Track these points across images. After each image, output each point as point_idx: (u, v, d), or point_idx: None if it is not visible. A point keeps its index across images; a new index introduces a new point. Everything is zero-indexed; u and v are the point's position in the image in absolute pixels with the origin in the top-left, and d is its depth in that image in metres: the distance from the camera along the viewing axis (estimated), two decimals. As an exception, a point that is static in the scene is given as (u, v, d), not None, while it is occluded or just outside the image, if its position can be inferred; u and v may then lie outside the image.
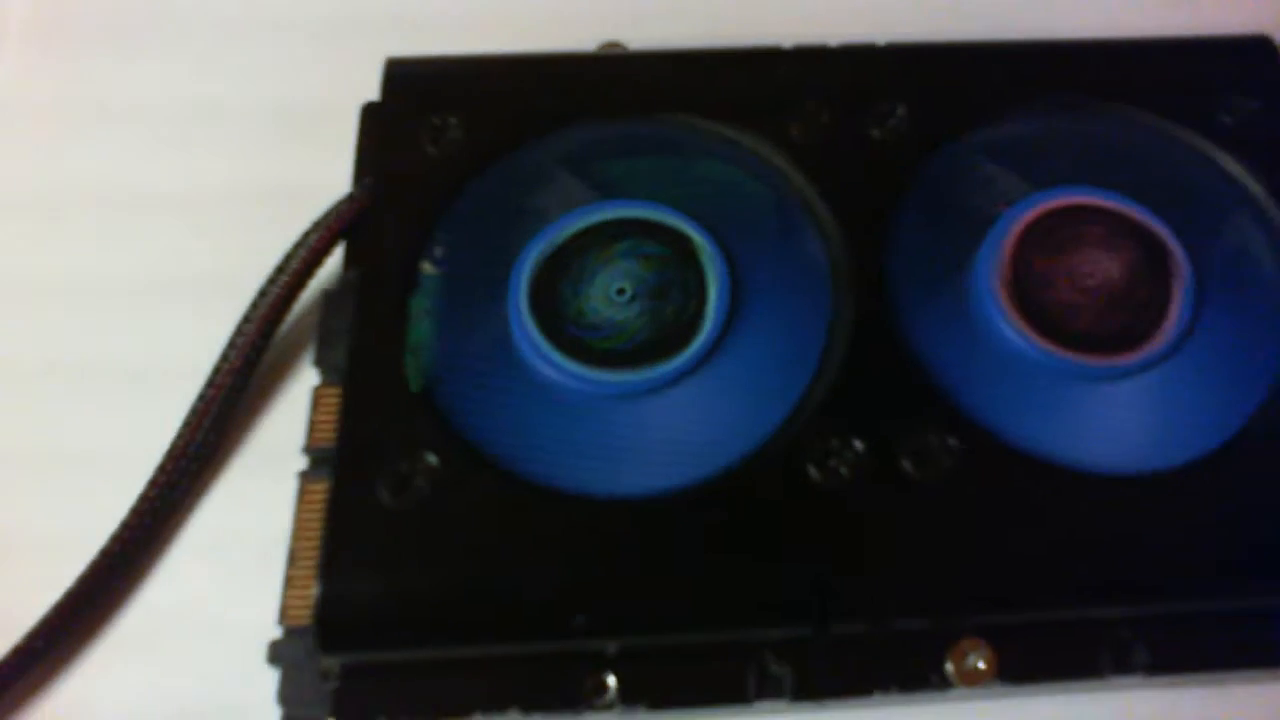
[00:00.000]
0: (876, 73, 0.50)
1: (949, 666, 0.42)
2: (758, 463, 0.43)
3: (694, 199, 0.48)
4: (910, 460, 0.43)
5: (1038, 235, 0.47)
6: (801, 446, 0.43)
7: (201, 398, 0.47)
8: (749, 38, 0.52)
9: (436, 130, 0.49)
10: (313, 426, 0.45)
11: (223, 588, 0.46)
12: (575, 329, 0.45)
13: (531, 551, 0.42)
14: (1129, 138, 0.50)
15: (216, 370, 0.47)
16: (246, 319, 0.47)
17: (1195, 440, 0.44)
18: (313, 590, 0.41)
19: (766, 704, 0.42)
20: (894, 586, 0.42)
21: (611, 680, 0.42)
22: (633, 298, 0.46)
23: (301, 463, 0.44)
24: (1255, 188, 0.48)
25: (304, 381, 0.49)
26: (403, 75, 0.50)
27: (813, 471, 0.42)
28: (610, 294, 0.46)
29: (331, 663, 0.41)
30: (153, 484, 0.46)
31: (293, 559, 0.43)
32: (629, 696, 0.42)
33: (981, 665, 0.42)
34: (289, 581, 0.43)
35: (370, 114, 0.51)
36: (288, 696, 0.42)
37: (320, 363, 0.46)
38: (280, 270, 0.48)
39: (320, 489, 0.43)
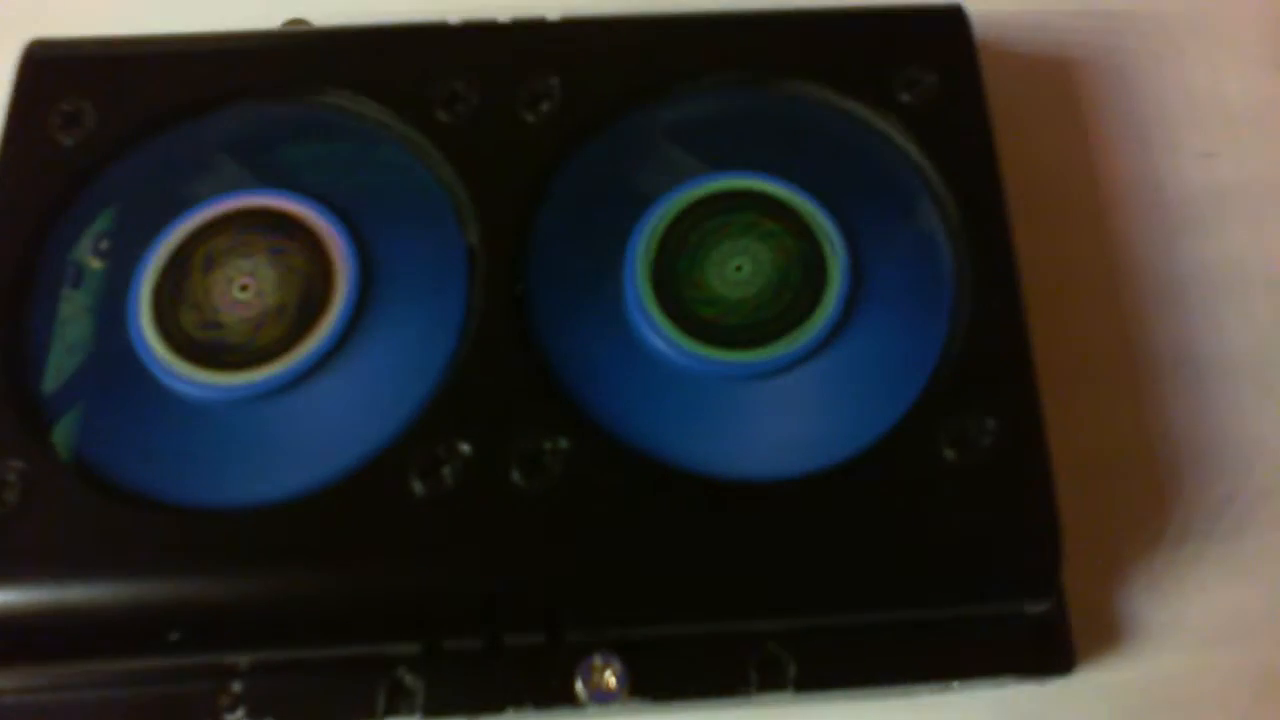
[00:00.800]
0: (531, 50, 0.48)
1: (578, 684, 0.41)
2: (367, 472, 0.41)
3: (340, 185, 0.46)
4: (520, 467, 0.40)
5: (683, 227, 0.45)
6: (407, 454, 0.41)
7: None
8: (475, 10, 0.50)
9: (67, 117, 0.46)
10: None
11: None
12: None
13: (127, 566, 0.40)
14: (798, 117, 0.48)
15: None
16: None
17: (839, 444, 0.42)
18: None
19: (399, 720, 0.39)
20: (499, 599, 0.40)
21: (237, 687, 0.41)
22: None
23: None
24: (927, 167, 0.46)
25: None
26: (39, 59, 0.48)
27: (415, 482, 0.40)
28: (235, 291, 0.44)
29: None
30: None
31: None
32: (257, 710, 0.41)
33: (612, 681, 0.41)
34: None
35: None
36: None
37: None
38: None
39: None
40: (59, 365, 0.43)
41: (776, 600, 0.41)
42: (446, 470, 0.40)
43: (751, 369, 0.43)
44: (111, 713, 0.41)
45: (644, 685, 0.41)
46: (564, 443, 0.41)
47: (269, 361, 0.43)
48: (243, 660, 0.41)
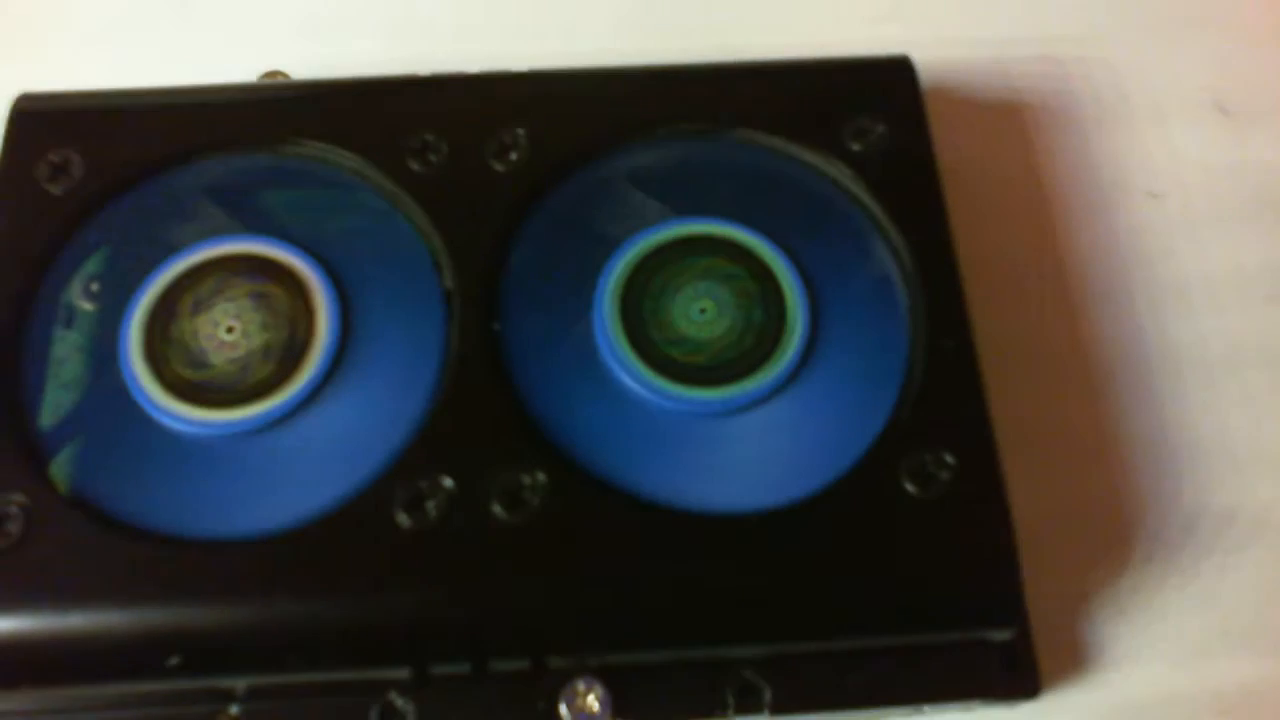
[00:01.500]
0: (499, 101, 0.50)
1: (562, 708, 0.42)
2: (354, 505, 0.43)
3: (319, 231, 0.48)
4: (500, 500, 0.42)
5: (648, 270, 0.47)
6: (392, 488, 0.43)
7: None
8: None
9: (55, 167, 0.48)
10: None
11: None
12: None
13: (125, 595, 0.41)
14: (756, 165, 0.50)
15: None
16: None
17: (805, 478, 0.43)
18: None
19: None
20: (483, 627, 0.42)
21: (235, 710, 0.43)
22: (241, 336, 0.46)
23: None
24: (878, 212, 0.48)
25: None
26: (28, 112, 0.50)
27: (400, 515, 0.42)
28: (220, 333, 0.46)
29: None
30: None
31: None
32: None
33: (595, 705, 0.42)
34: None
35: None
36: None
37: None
38: None
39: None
40: (55, 402, 0.44)
41: (748, 628, 0.42)
42: (430, 504, 0.42)
43: (719, 406, 0.45)
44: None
45: (625, 709, 0.42)
46: (542, 477, 0.42)
47: (256, 400, 0.44)
48: (239, 685, 0.42)
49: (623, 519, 0.42)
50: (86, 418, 0.44)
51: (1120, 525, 0.49)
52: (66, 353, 0.45)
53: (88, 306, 0.46)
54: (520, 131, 0.49)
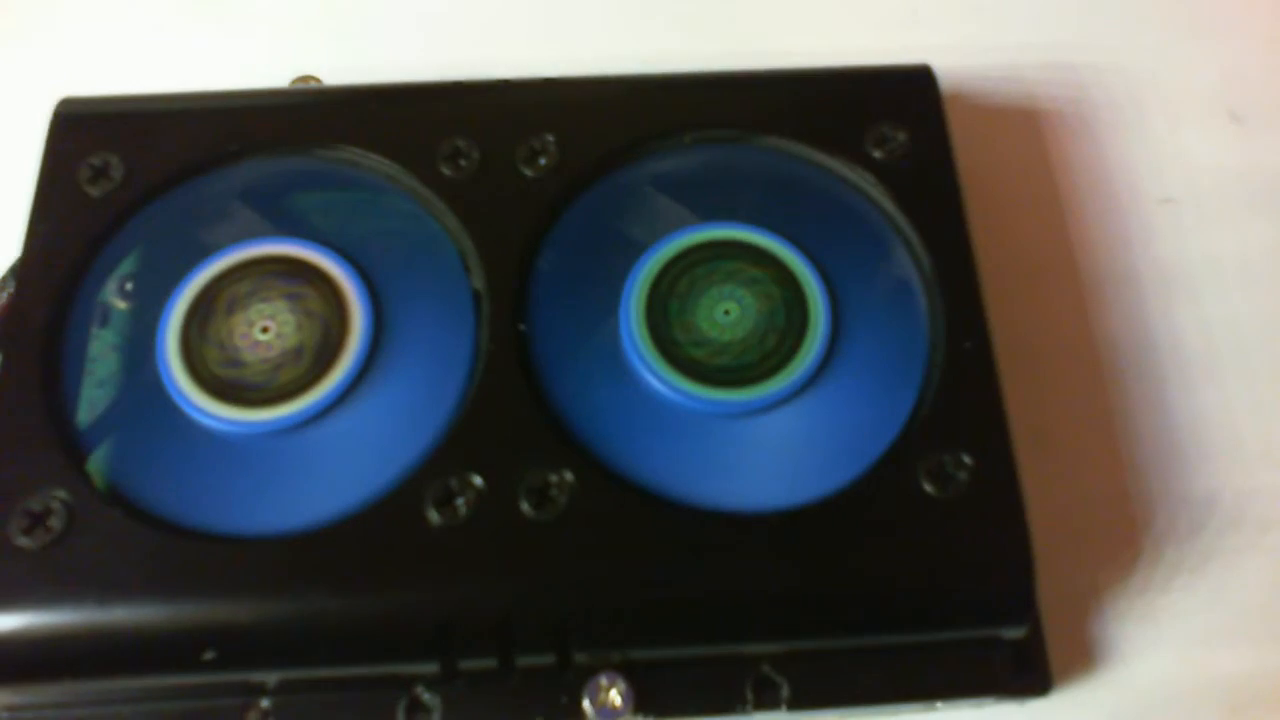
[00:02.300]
0: (529, 107, 0.51)
1: (586, 702, 0.43)
2: (385, 503, 0.44)
3: (352, 233, 0.49)
4: (528, 499, 0.43)
5: (674, 274, 0.48)
6: (423, 486, 0.43)
7: None
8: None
9: (95, 170, 0.49)
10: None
11: None
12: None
13: (163, 590, 0.42)
14: (780, 171, 0.51)
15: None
16: None
17: (825, 478, 0.44)
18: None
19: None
20: (515, 622, 0.43)
21: (265, 703, 0.44)
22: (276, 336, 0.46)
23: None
24: (901, 220, 0.49)
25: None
26: (69, 116, 0.50)
27: (430, 512, 0.42)
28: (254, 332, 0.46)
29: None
30: None
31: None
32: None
33: (617, 700, 0.43)
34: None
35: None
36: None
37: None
38: None
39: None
40: (91, 400, 0.45)
41: (769, 625, 0.43)
42: (460, 501, 0.43)
43: (741, 407, 0.45)
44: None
45: (647, 703, 0.43)
46: (569, 476, 0.43)
47: (290, 399, 0.45)
48: (270, 678, 0.43)
49: (646, 517, 0.43)
50: (122, 415, 0.45)
51: (1131, 523, 0.49)
52: (101, 351, 0.46)
53: (121, 305, 0.47)
54: (550, 138, 0.49)
